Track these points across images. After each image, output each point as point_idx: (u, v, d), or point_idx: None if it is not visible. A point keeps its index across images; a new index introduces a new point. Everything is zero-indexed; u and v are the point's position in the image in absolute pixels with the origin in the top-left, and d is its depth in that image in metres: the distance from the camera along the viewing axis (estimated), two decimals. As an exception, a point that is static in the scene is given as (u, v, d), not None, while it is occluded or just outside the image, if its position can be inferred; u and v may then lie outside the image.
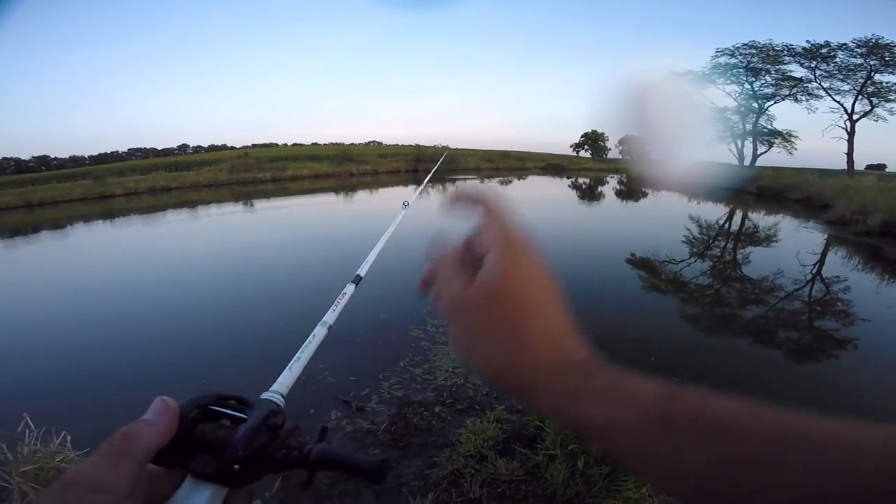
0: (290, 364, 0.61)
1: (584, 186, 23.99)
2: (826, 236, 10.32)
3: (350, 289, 0.97)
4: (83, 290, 6.37)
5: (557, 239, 9.49)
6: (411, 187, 22.18)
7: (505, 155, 39.54)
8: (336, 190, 20.91)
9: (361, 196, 19.24)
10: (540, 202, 17.14)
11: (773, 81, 25.56)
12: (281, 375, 0.57)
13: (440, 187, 21.73)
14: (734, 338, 4.64)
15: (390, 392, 3.32)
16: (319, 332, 0.74)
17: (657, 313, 5.30)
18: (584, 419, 0.27)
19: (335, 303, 0.88)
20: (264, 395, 0.47)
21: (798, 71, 24.56)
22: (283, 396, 0.49)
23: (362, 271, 1.07)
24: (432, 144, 35.83)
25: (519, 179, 26.91)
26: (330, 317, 0.81)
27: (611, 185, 24.17)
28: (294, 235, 10.40)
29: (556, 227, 10.89)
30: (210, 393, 0.37)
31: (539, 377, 0.29)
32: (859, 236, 9.97)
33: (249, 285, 6.27)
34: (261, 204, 17.32)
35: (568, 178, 29.08)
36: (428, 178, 2.16)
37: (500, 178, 26.99)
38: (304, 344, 0.69)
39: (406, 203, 1.65)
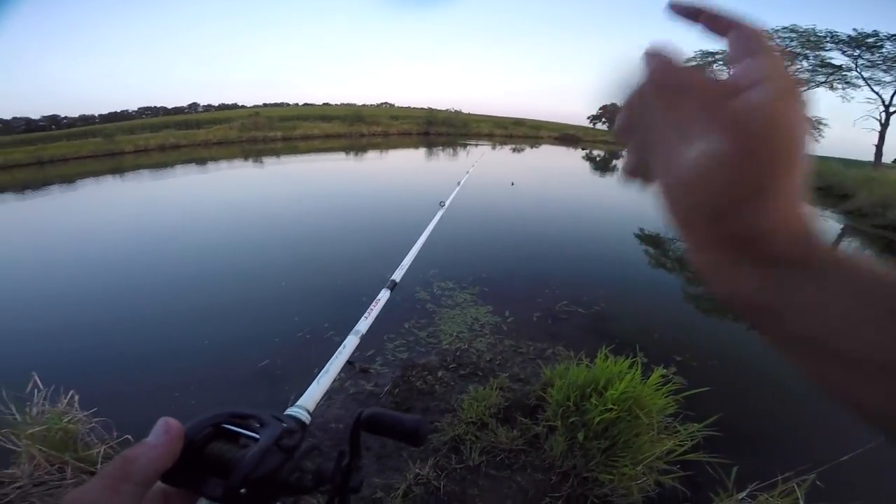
0: (318, 377, 0.58)
1: (597, 159, 23.52)
2: (842, 226, 10.12)
3: (385, 295, 0.92)
4: (93, 249, 6.40)
5: (566, 209, 9.40)
6: (422, 150, 21.87)
7: (518, 122, 38.64)
8: (346, 149, 20.64)
9: (371, 155, 19.00)
10: (551, 172, 16.88)
11: (811, 67, 24.39)
12: (308, 389, 0.54)
13: (452, 151, 21.42)
14: (736, 321, 4.60)
15: (394, 354, 3.36)
16: (351, 342, 0.70)
17: (663, 291, 5.27)
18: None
19: (368, 310, 0.83)
20: (289, 411, 0.46)
21: (838, 59, 23.41)
22: (309, 412, 0.47)
23: (398, 276, 1.01)
24: (445, 108, 35.04)
25: (532, 148, 26.37)
26: (363, 325, 0.76)
27: (625, 160, 23.67)
28: (293, 198, 10.37)
29: (564, 198, 10.77)
30: (225, 411, 0.35)
31: (773, 222, 0.24)
32: (876, 229, 9.77)
33: (264, 252, 6.29)
34: (269, 161, 17.18)
35: (583, 149, 28.48)
36: (463, 181, 2.05)
37: (513, 146, 26.48)
38: (335, 355, 0.65)
39: (442, 203, 1.58)
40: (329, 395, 2.88)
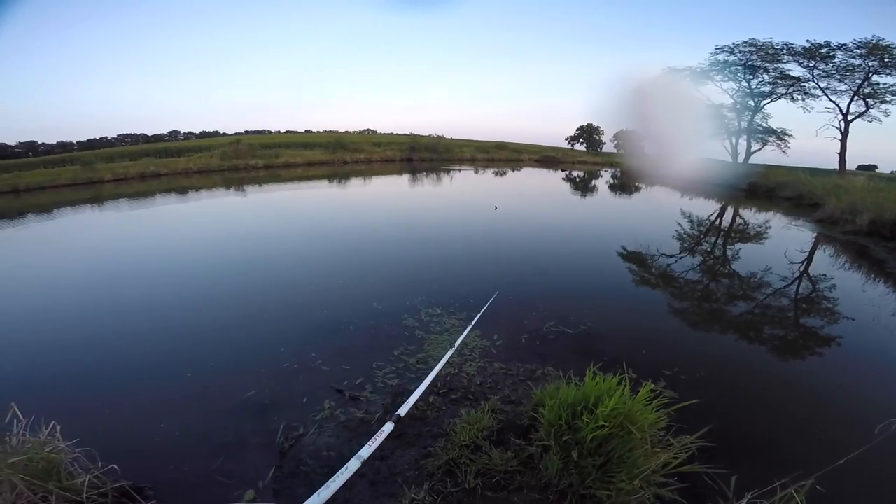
0: (318, 490, 0.64)
1: (577, 179, 24.03)
2: (815, 234, 10.44)
3: (388, 427, 1.00)
4: (71, 279, 6.26)
5: (550, 231, 9.53)
6: (405, 176, 22.08)
7: (500, 146, 39.37)
8: (329, 177, 20.72)
9: (354, 181, 19.12)
10: (534, 194, 17.15)
11: (771, 80, 25.45)
12: (308, 501, 0.63)
13: (435, 176, 21.67)
14: (722, 333, 4.69)
15: (384, 381, 3.32)
16: (353, 465, 0.76)
17: (648, 307, 5.34)
18: None
19: (373, 439, 0.92)
20: None
21: (796, 70, 24.46)
22: None
23: (402, 411, 1.08)
24: (427, 134, 35.59)
25: (514, 171, 26.84)
26: (366, 451, 0.84)
27: (604, 179, 24.25)
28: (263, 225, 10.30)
29: (549, 219, 10.93)
30: None
31: None
32: (847, 235, 10.10)
33: (247, 282, 6.21)
34: (252, 189, 17.12)
35: (563, 170, 29.10)
36: (467, 329, 2.24)
37: (495, 169, 26.92)
38: (336, 475, 0.73)
39: (453, 343, 1.72)
40: (320, 423, 2.83)
